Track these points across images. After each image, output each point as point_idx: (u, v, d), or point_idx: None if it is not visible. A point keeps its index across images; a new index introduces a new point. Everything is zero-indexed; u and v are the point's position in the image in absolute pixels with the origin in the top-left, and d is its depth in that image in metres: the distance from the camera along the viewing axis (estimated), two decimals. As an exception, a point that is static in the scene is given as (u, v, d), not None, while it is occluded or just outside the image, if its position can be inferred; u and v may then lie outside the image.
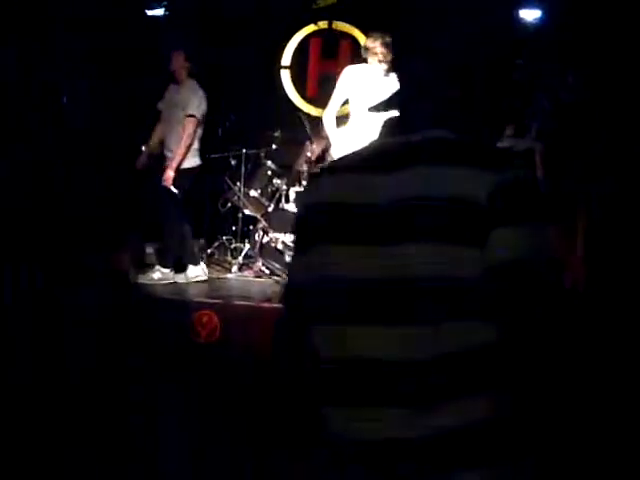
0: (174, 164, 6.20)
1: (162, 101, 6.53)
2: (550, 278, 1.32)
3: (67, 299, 5.21)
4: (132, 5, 7.65)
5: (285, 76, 8.20)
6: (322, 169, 1.59)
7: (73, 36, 6.88)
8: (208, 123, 7.17)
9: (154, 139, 6.57)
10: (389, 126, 1.48)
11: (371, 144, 1.51)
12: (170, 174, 6.19)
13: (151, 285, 6.14)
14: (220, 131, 7.33)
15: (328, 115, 5.73)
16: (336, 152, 5.62)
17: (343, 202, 1.42)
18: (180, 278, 6.31)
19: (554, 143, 5.52)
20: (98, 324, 5.06)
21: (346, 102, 5.80)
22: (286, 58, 8.19)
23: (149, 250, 7.03)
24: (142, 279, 6.22)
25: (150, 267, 6.47)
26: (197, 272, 6.34)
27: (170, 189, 6.20)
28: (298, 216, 1.58)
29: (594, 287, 5.24)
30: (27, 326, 4.94)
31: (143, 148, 6.67)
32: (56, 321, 5.03)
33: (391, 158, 1.40)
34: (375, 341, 1.36)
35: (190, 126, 6.23)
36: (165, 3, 7.72)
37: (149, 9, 7.74)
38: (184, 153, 6.25)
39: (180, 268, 6.40)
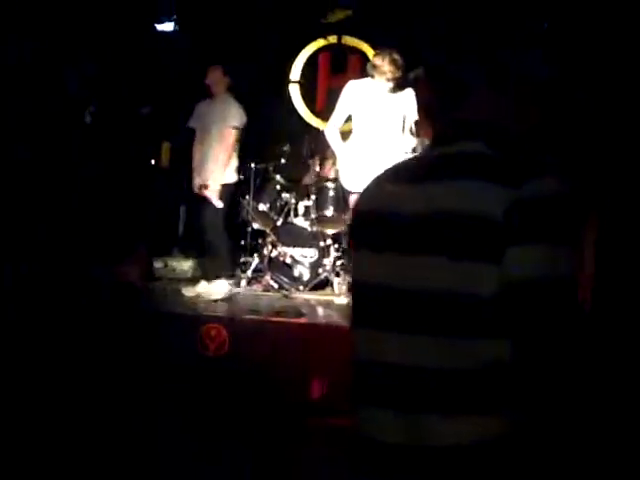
0: (218, 177, 6.19)
1: (194, 119, 6.50)
2: (564, 299, 1.31)
3: (73, 310, 5.21)
4: (142, 20, 7.69)
5: (294, 90, 8.22)
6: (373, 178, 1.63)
7: (83, 51, 6.91)
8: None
9: (197, 160, 6.49)
10: (434, 137, 1.51)
11: (416, 155, 1.59)
12: (215, 187, 6.18)
13: (159, 298, 6.13)
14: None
15: (330, 129, 5.72)
16: (342, 166, 5.60)
17: (378, 210, 1.48)
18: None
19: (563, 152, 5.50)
20: (104, 336, 5.06)
21: (349, 118, 5.79)
22: (295, 73, 8.22)
23: (157, 264, 7.04)
24: (189, 292, 6.18)
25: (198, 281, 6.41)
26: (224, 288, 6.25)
27: (216, 203, 6.20)
28: (349, 225, 1.73)
29: (603, 306, 5.19)
30: (32, 336, 4.96)
31: (152, 162, 6.67)
32: (62, 332, 5.03)
33: (425, 170, 1.44)
34: (391, 347, 1.40)
35: (231, 137, 6.25)
36: (175, 17, 7.76)
37: (159, 23, 7.78)
38: (227, 165, 6.25)
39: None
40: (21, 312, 5.09)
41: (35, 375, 4.68)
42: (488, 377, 1.32)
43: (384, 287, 1.42)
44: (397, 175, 1.51)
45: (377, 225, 1.47)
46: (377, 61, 5.44)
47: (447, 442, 1.33)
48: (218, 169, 6.22)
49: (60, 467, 3.76)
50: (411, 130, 5.56)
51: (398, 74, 5.40)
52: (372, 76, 5.54)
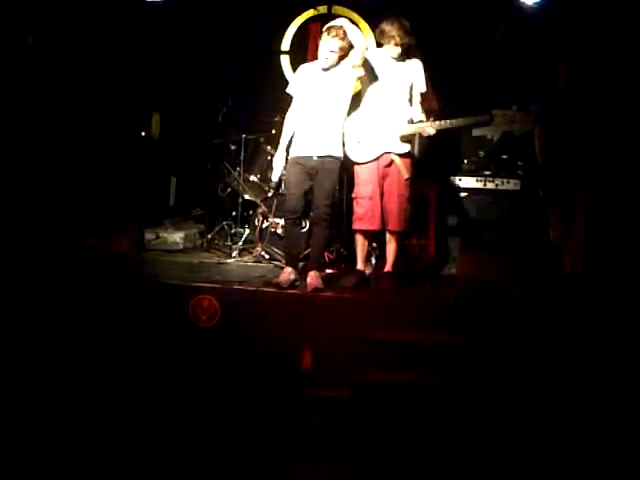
0: None
1: (298, 86, 5.71)
2: None
3: (67, 281, 5.23)
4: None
5: (285, 61, 8.17)
6: None
7: (72, 23, 6.86)
8: (207, 109, 7.22)
9: (289, 131, 5.79)
10: None
11: None
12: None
13: (151, 268, 6.13)
14: (220, 117, 7.28)
15: None
16: (347, 137, 5.56)
17: None
18: None
19: (554, 126, 5.51)
20: (98, 305, 5.08)
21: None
22: (285, 43, 8.16)
23: (149, 236, 7.03)
24: None
25: None
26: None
27: None
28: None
29: (593, 272, 5.25)
30: (27, 305, 5.00)
31: (143, 133, 6.63)
32: (54, 301, 5.07)
33: None
34: None
35: None
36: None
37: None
38: None
39: None
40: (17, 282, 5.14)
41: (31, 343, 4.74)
42: None
43: None
44: None
45: None
46: (386, 27, 5.38)
47: None
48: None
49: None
50: (419, 100, 5.54)
51: (406, 39, 5.36)
52: (380, 44, 5.49)
